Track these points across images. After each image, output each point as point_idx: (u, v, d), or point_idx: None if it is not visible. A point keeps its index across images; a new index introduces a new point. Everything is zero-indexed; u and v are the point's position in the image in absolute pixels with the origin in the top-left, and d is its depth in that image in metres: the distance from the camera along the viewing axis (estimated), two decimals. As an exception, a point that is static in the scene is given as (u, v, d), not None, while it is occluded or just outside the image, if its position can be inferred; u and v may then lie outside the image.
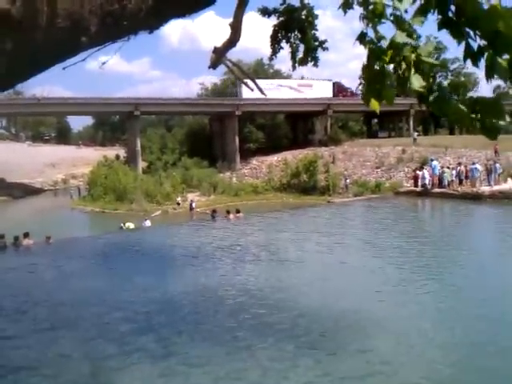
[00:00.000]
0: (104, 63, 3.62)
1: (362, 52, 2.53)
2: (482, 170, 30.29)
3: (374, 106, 2.53)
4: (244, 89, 50.85)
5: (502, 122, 2.37)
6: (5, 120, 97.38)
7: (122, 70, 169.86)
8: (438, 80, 2.40)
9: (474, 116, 2.38)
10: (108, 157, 53.64)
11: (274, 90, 53.60)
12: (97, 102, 52.56)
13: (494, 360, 7.54)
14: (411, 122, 61.99)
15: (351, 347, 8.22)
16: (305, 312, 9.80)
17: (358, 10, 2.69)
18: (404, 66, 2.41)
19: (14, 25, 2.38)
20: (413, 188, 32.27)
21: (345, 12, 2.56)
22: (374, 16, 2.30)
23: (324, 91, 62.20)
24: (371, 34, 2.40)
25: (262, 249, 15.97)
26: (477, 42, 2.21)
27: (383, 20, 2.32)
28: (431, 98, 2.46)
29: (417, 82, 2.37)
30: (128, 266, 14.99)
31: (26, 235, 18.07)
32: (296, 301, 10.61)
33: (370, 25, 2.37)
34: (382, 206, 27.16)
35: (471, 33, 2.20)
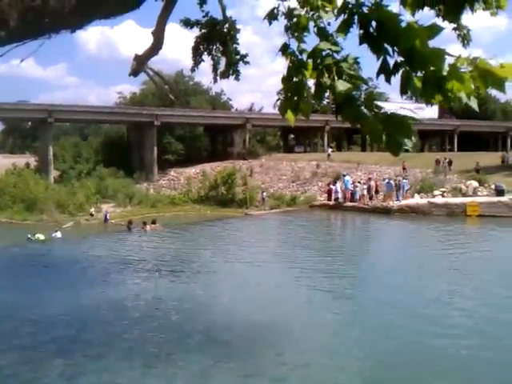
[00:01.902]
0: (22, 61, 3.47)
1: (280, 69, 2.59)
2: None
3: (290, 117, 2.60)
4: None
5: (406, 141, 2.50)
6: None
7: (36, 76, 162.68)
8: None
9: (383, 131, 2.50)
10: (17, 165, 50.96)
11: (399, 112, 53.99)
12: (7, 108, 49.86)
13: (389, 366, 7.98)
14: (326, 138, 64.02)
15: (260, 356, 8.33)
16: (216, 323, 9.83)
17: (279, 25, 2.77)
18: (326, 74, 2.49)
19: None
20: (326, 202, 33.37)
21: (270, 23, 2.62)
22: (297, 28, 2.37)
23: (431, 113, 64.54)
24: (294, 46, 2.46)
25: (176, 261, 15.84)
26: (394, 58, 2.34)
27: (306, 33, 2.40)
28: (347, 109, 2.55)
29: (342, 86, 2.46)
30: (34, 279, 14.28)
31: None
32: (208, 312, 10.61)
33: (295, 36, 2.44)
34: (297, 219, 27.85)
35: (389, 49, 2.32)
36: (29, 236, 23.84)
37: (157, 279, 13.69)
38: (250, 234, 22.95)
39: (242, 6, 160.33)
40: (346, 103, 2.51)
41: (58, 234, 25.71)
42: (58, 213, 36.16)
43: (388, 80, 2.38)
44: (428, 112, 61.94)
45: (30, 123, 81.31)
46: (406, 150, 2.61)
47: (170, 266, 15.10)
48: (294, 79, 2.59)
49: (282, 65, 2.56)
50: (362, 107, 2.52)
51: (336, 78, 2.38)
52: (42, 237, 24.32)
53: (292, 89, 2.58)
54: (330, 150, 53.41)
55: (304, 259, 15.77)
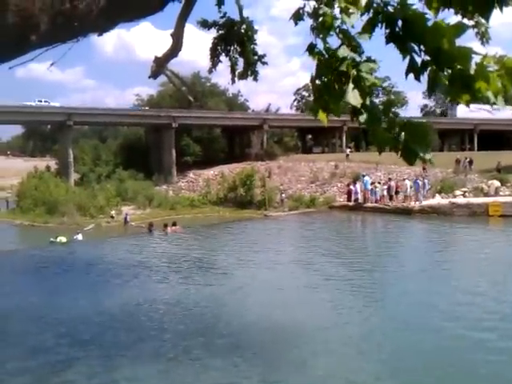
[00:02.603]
0: (53, 64, 3.50)
1: (296, 68, 2.56)
2: (412, 185, 31.49)
3: (322, 117, 2.58)
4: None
5: (425, 153, 2.46)
6: None
7: (54, 79, 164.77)
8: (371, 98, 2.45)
9: (398, 139, 2.45)
10: (38, 168, 51.59)
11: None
12: (27, 111, 50.61)
13: (416, 370, 7.87)
14: (344, 139, 63.72)
15: (284, 358, 8.29)
16: (237, 326, 9.81)
17: (294, 25, 2.74)
18: (343, 79, 2.46)
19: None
20: (346, 202, 33.15)
21: (296, 23, 2.60)
22: (323, 28, 2.35)
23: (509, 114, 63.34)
24: (320, 45, 2.44)
25: (197, 263, 15.86)
26: (421, 58, 2.30)
27: (331, 32, 2.38)
28: (364, 115, 2.51)
29: (353, 99, 2.42)
30: (57, 281, 14.44)
31: None
32: (229, 315, 10.59)
33: (320, 36, 2.42)
34: (316, 220, 27.72)
35: (416, 48, 2.29)
36: (51, 239, 24.14)
37: (178, 281, 13.73)
38: (269, 236, 22.91)
39: (257, 6, 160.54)
40: (360, 110, 2.48)
41: (80, 237, 25.96)
42: (78, 215, 36.54)
43: (418, 79, 2.34)
44: (507, 113, 58.98)
45: (49, 126, 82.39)
46: None
47: (191, 269, 15.14)
48: (323, 79, 2.56)
49: (298, 65, 2.55)
50: (376, 113, 2.48)
51: (351, 85, 2.34)
52: (64, 239, 24.60)
53: (321, 89, 2.55)
54: (348, 150, 53.14)
55: (325, 261, 15.64)
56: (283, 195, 40.63)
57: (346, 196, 34.51)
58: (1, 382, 7.60)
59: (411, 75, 2.40)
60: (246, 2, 7.13)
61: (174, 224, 23.43)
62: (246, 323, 10.02)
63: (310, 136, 73.24)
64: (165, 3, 3.44)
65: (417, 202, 29.28)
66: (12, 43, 2.53)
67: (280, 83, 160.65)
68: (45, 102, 59.02)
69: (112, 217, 36.59)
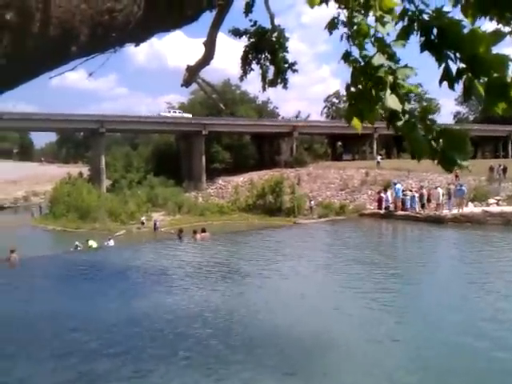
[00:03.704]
0: (91, 74, 3.61)
1: (326, 75, 2.56)
2: (444, 193, 30.95)
3: (356, 125, 2.57)
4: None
5: (462, 160, 2.43)
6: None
7: (87, 87, 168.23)
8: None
9: (435, 146, 2.43)
10: (71, 174, 52.69)
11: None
12: (61, 119, 51.80)
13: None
14: (375, 146, 63.23)
15: (318, 368, 8.21)
16: (268, 333, 9.77)
17: (324, 33, 2.74)
18: (380, 86, 2.45)
19: (6, 32, 2.36)
20: (377, 210, 32.78)
21: (330, 32, 2.61)
22: (358, 36, 2.36)
23: None
24: (355, 53, 2.45)
25: (226, 270, 15.85)
26: (456, 65, 2.28)
27: (367, 40, 2.38)
28: (401, 122, 2.50)
29: (392, 102, 2.41)
30: (87, 286, 14.62)
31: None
32: (260, 322, 10.56)
33: (356, 43, 2.42)
34: (346, 228, 27.47)
35: (451, 55, 2.27)
36: (76, 243, 24.61)
37: (207, 288, 13.76)
38: (298, 244, 22.78)
39: (289, 13, 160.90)
40: (396, 116, 2.46)
41: (111, 242, 26.37)
42: (110, 221, 37.17)
43: (452, 87, 2.32)
44: None
45: (82, 133, 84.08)
46: None
47: (220, 275, 15.15)
48: (358, 86, 2.56)
49: (328, 72, 2.57)
50: (413, 119, 2.46)
51: (388, 91, 2.33)
52: (94, 244, 25.03)
53: (356, 96, 2.55)
54: (379, 157, 52.66)
55: (354, 271, 15.41)
56: (312, 202, 40.51)
57: (377, 204, 34.16)
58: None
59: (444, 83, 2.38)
60: (277, 10, 7.21)
61: (203, 230, 23.56)
62: (272, 331, 9.97)
63: (340, 143, 72.90)
64: (199, 13, 3.50)
65: (447, 210, 28.77)
66: (53, 54, 2.61)
67: (310, 90, 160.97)
68: (179, 112, 60.49)
69: (142, 223, 37.09)
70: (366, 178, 43.15)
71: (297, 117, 76.23)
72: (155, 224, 34.83)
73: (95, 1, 2.53)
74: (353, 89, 2.44)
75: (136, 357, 8.74)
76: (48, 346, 9.40)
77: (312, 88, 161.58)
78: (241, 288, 13.75)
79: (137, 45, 3.29)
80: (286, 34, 7.25)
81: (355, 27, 2.35)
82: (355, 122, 2.52)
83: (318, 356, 8.75)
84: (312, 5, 2.57)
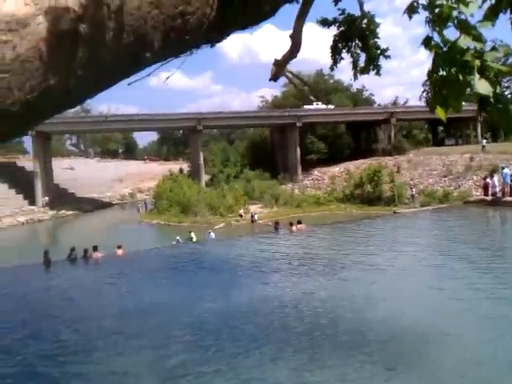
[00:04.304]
0: (168, 78, 3.69)
1: (423, 59, 2.40)
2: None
3: (440, 113, 2.41)
4: None
5: None
6: (75, 137, 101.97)
7: (184, 86, 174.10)
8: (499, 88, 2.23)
9: None
10: (172, 171, 54.88)
11: None
12: (161, 118, 54.16)
13: None
14: (479, 129, 59.77)
15: (421, 362, 7.93)
16: (371, 326, 9.56)
17: (421, 15, 2.59)
18: (466, 70, 2.27)
19: (81, 42, 2.46)
20: (483, 197, 30.95)
21: (410, 17, 2.47)
22: (440, 19, 2.20)
23: None
24: (437, 38, 2.29)
25: (325, 261, 15.72)
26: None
27: (449, 24, 2.21)
28: (492, 106, 2.29)
29: (482, 87, 2.22)
30: (193, 277, 15.18)
31: (95, 248, 18.73)
32: (362, 314, 10.37)
33: (436, 29, 2.26)
34: (452, 217, 26.16)
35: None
36: (177, 238, 25.64)
37: (306, 279, 13.75)
38: (400, 234, 22.07)
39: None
40: (487, 101, 2.26)
41: (212, 235, 27.21)
42: (209, 214, 38.29)
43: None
44: None
45: (181, 131, 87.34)
46: None
47: (320, 266, 15.06)
48: (441, 73, 2.39)
49: (425, 55, 2.43)
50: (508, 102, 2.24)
51: (477, 76, 2.15)
52: (194, 238, 26.01)
53: (439, 83, 2.39)
54: (484, 141, 49.59)
55: (462, 266, 14.42)
56: (414, 190, 39.15)
57: (483, 190, 32.25)
58: (135, 373, 8.15)
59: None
60: (369, -5, 6.98)
61: (299, 222, 23.56)
62: (369, 325, 9.75)
63: (441, 128, 69.62)
64: (277, 8, 3.45)
65: None
66: (127, 62, 2.69)
67: (407, 75, 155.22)
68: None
69: (240, 215, 37.86)
70: (471, 163, 40.83)
71: (394, 103, 73.89)
72: (252, 216, 35.39)
73: (167, 5, 2.57)
74: (435, 76, 2.28)
75: (232, 345, 8.94)
76: (147, 336, 9.87)
77: (409, 72, 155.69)
78: (338, 280, 13.59)
79: (212, 46, 3.30)
80: (378, 20, 7.02)
81: (436, 10, 2.20)
82: (439, 110, 2.36)
83: (423, 351, 8.44)
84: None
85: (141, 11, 2.51)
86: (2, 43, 2.34)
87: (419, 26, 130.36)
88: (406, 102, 74.62)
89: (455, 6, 2.18)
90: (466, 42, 2.17)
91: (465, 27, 2.20)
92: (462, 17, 2.21)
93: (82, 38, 2.38)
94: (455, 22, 2.21)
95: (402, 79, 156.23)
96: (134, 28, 2.50)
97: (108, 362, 8.66)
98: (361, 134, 63.40)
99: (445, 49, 2.26)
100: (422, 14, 2.44)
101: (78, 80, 2.51)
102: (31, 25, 2.39)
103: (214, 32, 2.95)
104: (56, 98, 2.57)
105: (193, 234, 26.56)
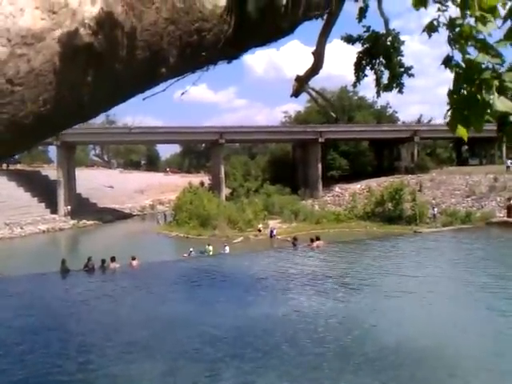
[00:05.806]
0: (183, 93, 3.68)
1: (450, 77, 2.34)
2: None
3: (462, 133, 2.34)
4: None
5: None
6: (98, 148, 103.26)
7: (208, 100, 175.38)
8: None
9: None
10: (193, 183, 55.08)
11: None
12: (184, 131, 54.59)
13: None
14: (504, 149, 58.86)
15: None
16: (388, 344, 9.39)
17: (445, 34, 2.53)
18: (485, 88, 2.21)
19: (95, 57, 2.45)
20: (506, 219, 30.42)
21: (429, 35, 2.40)
22: (461, 38, 2.14)
23: None
24: (457, 57, 2.24)
25: (342, 279, 15.60)
26: None
27: (470, 43, 2.15)
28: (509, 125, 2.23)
29: (501, 104, 2.16)
30: (205, 291, 15.15)
31: (113, 259, 18.88)
32: (380, 333, 10.20)
33: (457, 47, 2.20)
34: (473, 238, 25.72)
35: None
36: (191, 249, 25.71)
37: (321, 296, 13.63)
38: (420, 254, 21.72)
39: (409, 15, 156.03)
40: (507, 121, 2.19)
41: (227, 249, 27.18)
42: (228, 228, 38.23)
43: None
44: None
45: (203, 145, 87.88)
46: None
47: (336, 284, 14.93)
48: (462, 92, 2.33)
49: (451, 73, 2.35)
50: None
51: (496, 94, 2.08)
52: (211, 251, 26.06)
53: (460, 102, 2.32)
54: (509, 161, 48.76)
55: (482, 286, 14.11)
56: (436, 210, 38.64)
57: (506, 211, 31.70)
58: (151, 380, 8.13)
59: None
60: (397, 13, 6.94)
61: (318, 238, 23.39)
62: (384, 344, 9.57)
63: (465, 147, 68.78)
64: (296, 25, 3.41)
65: None
66: (143, 76, 2.67)
67: (433, 93, 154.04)
68: None
69: (259, 230, 37.70)
70: (495, 184, 40.20)
71: (418, 121, 73.33)
72: (271, 232, 35.25)
73: (183, 22, 2.55)
74: (455, 96, 2.21)
75: (249, 364, 8.83)
76: (162, 347, 9.83)
77: (435, 90, 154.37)
78: (355, 297, 13.40)
79: (229, 62, 3.27)
80: (406, 37, 6.99)
81: (457, 29, 2.13)
82: (460, 130, 2.28)
83: (443, 372, 8.25)
84: (417, 7, 2.38)
85: (157, 27, 2.49)
86: (17, 57, 2.34)
87: (447, 45, 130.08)
88: (430, 121, 74.00)
89: (474, 25, 2.12)
90: (484, 59, 2.12)
91: (483, 46, 2.15)
92: (481, 36, 2.16)
93: (96, 52, 2.37)
94: (474, 41, 2.16)
95: (427, 97, 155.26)
96: (150, 43, 2.48)
97: (116, 372, 8.64)
98: (383, 152, 62.95)
99: (465, 68, 2.20)
100: (445, 33, 2.39)
101: (92, 94, 2.50)
102: (47, 39, 2.38)
103: (231, 48, 2.92)
104: (69, 111, 2.57)
105: (210, 247, 26.59)
